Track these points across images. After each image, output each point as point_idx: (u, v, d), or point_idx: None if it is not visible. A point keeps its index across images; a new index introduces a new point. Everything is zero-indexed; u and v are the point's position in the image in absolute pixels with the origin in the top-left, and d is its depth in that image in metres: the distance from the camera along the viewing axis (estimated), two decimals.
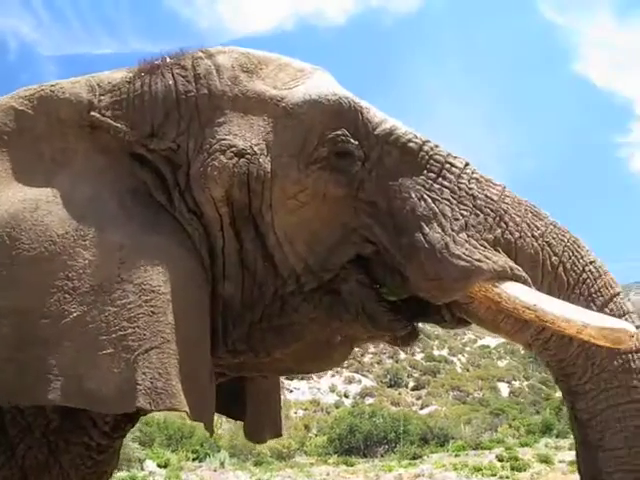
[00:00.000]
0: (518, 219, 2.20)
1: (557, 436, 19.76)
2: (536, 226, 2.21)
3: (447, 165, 2.25)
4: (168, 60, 2.41)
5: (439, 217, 2.15)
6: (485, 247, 2.13)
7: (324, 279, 2.26)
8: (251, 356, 2.42)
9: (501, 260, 2.10)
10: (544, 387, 34.24)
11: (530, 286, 2.09)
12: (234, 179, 2.22)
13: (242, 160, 2.22)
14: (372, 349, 38.79)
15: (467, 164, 2.29)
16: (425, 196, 2.19)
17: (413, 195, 2.19)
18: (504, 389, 36.49)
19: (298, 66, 2.44)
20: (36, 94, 2.38)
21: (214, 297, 2.28)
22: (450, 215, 2.16)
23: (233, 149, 2.23)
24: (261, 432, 3.12)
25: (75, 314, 1.98)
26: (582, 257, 2.20)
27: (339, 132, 2.25)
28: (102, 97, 2.39)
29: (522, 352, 42.27)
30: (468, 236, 2.14)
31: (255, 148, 2.25)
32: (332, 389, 34.11)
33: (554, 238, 2.21)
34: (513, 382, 37.76)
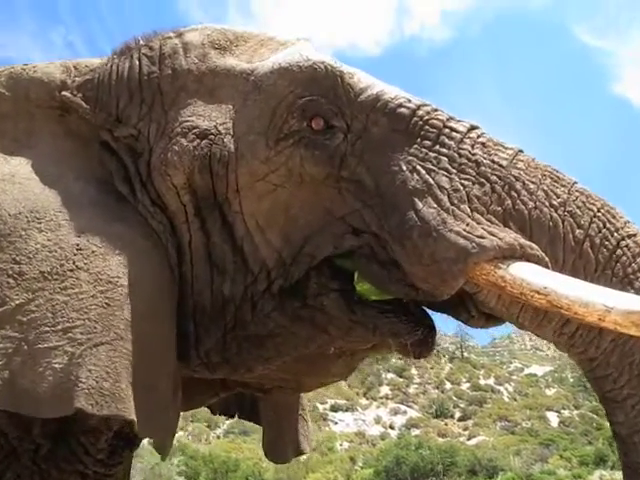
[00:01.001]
0: (532, 186, 1.84)
1: (612, 468, 19.33)
2: (555, 193, 1.84)
3: (446, 130, 1.94)
4: (140, 41, 2.25)
5: (434, 190, 1.83)
6: (492, 222, 1.80)
7: (293, 276, 1.99)
8: (229, 371, 2.19)
9: (509, 236, 1.74)
10: (595, 416, 33.29)
11: (547, 266, 1.73)
12: (195, 163, 2.01)
13: (204, 142, 2.02)
14: (417, 379, 38.49)
15: (473, 128, 1.96)
16: (418, 167, 1.88)
17: (404, 167, 1.89)
18: (553, 419, 35.62)
19: (282, 39, 2.23)
20: (5, 71, 2.24)
21: (183, 299, 2.06)
22: (448, 186, 1.84)
23: (195, 131, 2.03)
24: (283, 451, 2.89)
25: (18, 301, 1.76)
26: (617, 230, 1.82)
27: (310, 98, 1.99)
28: (76, 79, 2.23)
29: (571, 380, 41.35)
30: (471, 210, 1.81)
31: (220, 128, 2.04)
32: (377, 420, 33.83)
33: (579, 207, 1.83)
34: (562, 411, 36.83)
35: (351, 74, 2.05)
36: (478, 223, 1.78)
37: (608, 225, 1.82)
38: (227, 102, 2.09)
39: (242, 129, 2.03)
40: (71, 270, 1.83)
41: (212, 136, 2.02)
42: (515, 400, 39.13)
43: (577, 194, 1.85)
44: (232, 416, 3.31)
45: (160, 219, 2.05)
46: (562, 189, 1.85)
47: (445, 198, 1.82)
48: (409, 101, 1.98)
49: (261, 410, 2.99)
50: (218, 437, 29.60)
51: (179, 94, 2.11)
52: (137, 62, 2.19)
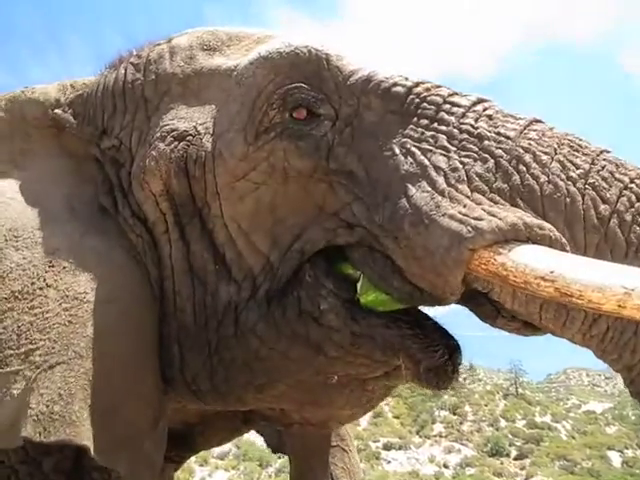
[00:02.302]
0: (545, 157, 1.56)
1: None
2: (575, 164, 1.54)
3: (446, 106, 1.72)
4: (132, 52, 2.19)
5: (429, 171, 1.62)
6: (495, 202, 1.55)
7: (281, 277, 1.84)
8: (219, 400, 2.01)
9: (512, 215, 1.48)
10: None
11: (563, 249, 1.45)
12: (171, 166, 1.88)
13: (182, 144, 1.90)
14: (471, 417, 37.77)
15: (480, 101, 1.74)
16: (413, 149, 1.68)
17: (397, 151, 1.70)
18: (615, 458, 34.27)
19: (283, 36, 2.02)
20: (7, 95, 2.22)
21: (166, 318, 1.93)
22: (445, 166, 1.62)
23: (174, 133, 1.92)
24: None
25: None
26: None
27: (291, 86, 1.83)
28: (70, 95, 2.20)
29: (632, 417, 39.83)
30: (471, 190, 1.58)
31: (199, 128, 1.91)
32: (431, 459, 33.22)
33: (605, 178, 1.52)
34: (625, 451, 35.43)
35: (339, 56, 1.87)
36: (478, 204, 1.54)
37: None
38: (211, 102, 1.97)
39: (222, 127, 1.89)
40: (41, 288, 1.75)
41: (190, 137, 1.90)
42: (574, 438, 37.86)
43: (603, 162, 1.55)
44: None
45: (139, 232, 1.95)
46: (583, 158, 1.56)
47: (441, 179, 1.61)
48: (406, 79, 1.80)
49: (287, 442, 2.87)
50: (270, 476, 29.57)
51: (163, 99, 2.02)
52: (123, 71, 2.12)
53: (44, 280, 1.76)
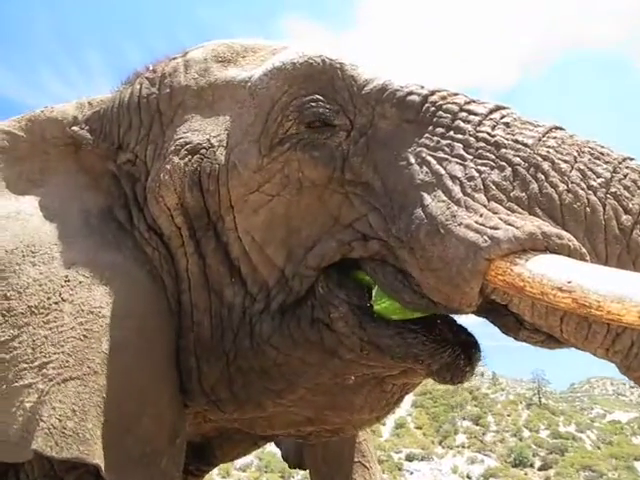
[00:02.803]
0: (564, 166, 1.53)
1: None
2: (595, 172, 1.51)
3: (463, 114, 1.71)
4: (148, 67, 2.21)
5: (445, 181, 1.60)
6: (512, 210, 1.52)
7: (294, 291, 1.83)
8: (238, 408, 2.00)
9: (530, 224, 1.45)
10: None
11: (583, 259, 1.42)
12: (185, 180, 1.89)
13: (195, 157, 1.90)
14: (494, 427, 37.45)
15: (497, 108, 1.72)
16: (429, 158, 1.66)
17: (412, 160, 1.68)
18: None
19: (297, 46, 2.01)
20: (27, 116, 2.25)
21: (184, 331, 1.94)
22: (461, 175, 1.60)
23: (187, 146, 1.92)
24: None
25: (3, 338, 1.69)
26: None
27: (307, 98, 1.83)
28: (87, 112, 2.23)
29: None
30: (488, 198, 1.55)
31: (213, 140, 1.91)
32: (454, 470, 32.94)
33: (628, 187, 1.48)
34: None
35: (354, 65, 1.87)
36: (495, 213, 1.52)
37: None
38: (225, 114, 1.96)
39: (236, 139, 1.89)
40: (56, 303, 1.76)
41: (204, 150, 1.90)
42: (599, 448, 37.37)
43: (626, 170, 1.51)
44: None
45: (155, 245, 1.97)
46: (605, 166, 1.52)
47: (457, 188, 1.59)
48: (421, 87, 1.78)
49: (307, 457, 2.89)
50: None
51: (177, 112, 2.03)
52: (138, 87, 2.14)
53: (60, 295, 1.77)
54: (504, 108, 1.72)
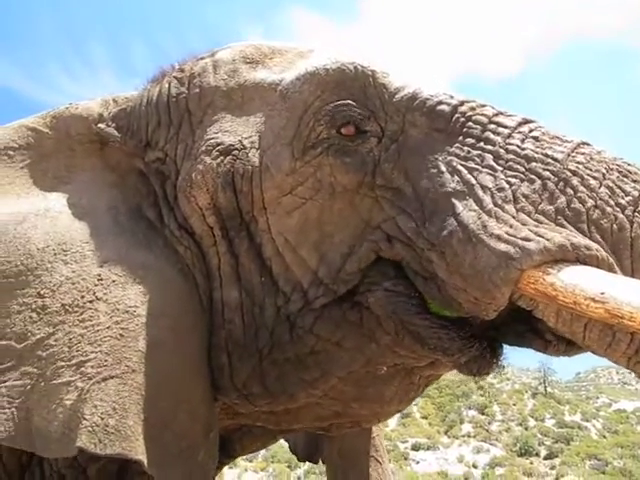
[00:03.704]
0: (593, 182, 1.59)
1: None
2: (624, 190, 1.57)
3: (492, 126, 1.77)
4: (175, 66, 2.23)
5: (476, 190, 1.66)
6: (540, 222, 1.58)
7: (340, 292, 1.87)
8: (270, 400, 2.01)
9: (559, 236, 1.52)
10: None
11: (611, 270, 1.49)
12: (218, 181, 1.92)
13: (228, 158, 1.93)
14: (499, 416, 37.57)
15: (525, 122, 1.78)
16: (459, 167, 1.72)
17: (443, 169, 1.74)
18: None
19: (327, 50, 2.06)
20: (52, 112, 2.26)
21: (215, 329, 1.97)
22: (492, 185, 1.66)
23: (219, 147, 1.95)
24: None
25: (38, 336, 1.73)
26: None
27: (339, 103, 1.87)
28: (113, 110, 2.25)
29: None
30: (517, 210, 1.61)
31: (245, 142, 1.94)
32: (460, 459, 33.07)
33: None
34: None
35: (385, 73, 1.92)
36: (524, 224, 1.58)
37: None
38: (255, 115, 1.99)
39: (268, 142, 1.93)
40: (91, 301, 1.79)
41: (236, 151, 1.93)
42: (604, 437, 37.45)
43: None
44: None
45: (187, 244, 1.99)
46: (633, 185, 1.58)
47: (488, 199, 1.65)
48: (451, 97, 1.84)
49: (325, 452, 2.94)
50: (299, 478, 29.72)
51: (206, 112, 2.05)
52: (167, 85, 2.16)
53: (94, 293, 1.80)
54: (531, 122, 1.78)
